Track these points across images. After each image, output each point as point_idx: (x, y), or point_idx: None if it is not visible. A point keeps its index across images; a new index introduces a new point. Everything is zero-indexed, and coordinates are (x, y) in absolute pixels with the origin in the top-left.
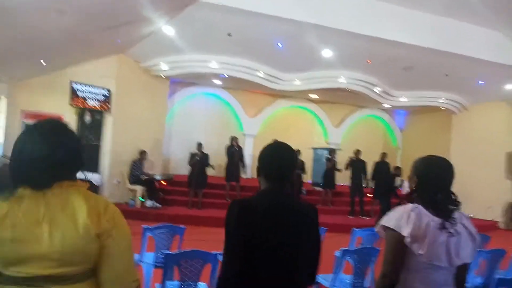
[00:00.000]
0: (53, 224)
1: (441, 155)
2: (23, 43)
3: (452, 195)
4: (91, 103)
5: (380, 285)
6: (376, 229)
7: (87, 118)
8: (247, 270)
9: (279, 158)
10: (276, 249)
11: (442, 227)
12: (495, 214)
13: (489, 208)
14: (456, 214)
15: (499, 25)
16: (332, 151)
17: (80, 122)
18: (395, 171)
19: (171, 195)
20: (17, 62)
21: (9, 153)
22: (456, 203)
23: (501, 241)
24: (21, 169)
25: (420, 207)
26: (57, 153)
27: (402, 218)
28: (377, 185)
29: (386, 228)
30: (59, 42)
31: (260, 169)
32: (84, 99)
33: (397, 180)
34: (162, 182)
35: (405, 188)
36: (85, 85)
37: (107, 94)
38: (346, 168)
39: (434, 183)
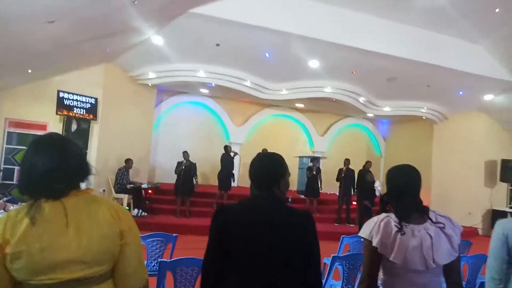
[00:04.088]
0: (78, 228)
1: (422, 163)
2: (10, 51)
3: (418, 201)
4: (78, 111)
5: None
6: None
7: (73, 126)
8: (222, 277)
9: (263, 165)
10: (250, 255)
11: (400, 230)
12: (475, 221)
13: (469, 215)
14: (431, 216)
15: (478, 38)
16: (314, 160)
17: (66, 130)
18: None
19: (157, 204)
20: (3, 70)
21: None
22: (422, 208)
23: (482, 247)
24: (34, 181)
25: (392, 215)
26: (71, 162)
27: (373, 228)
28: (360, 193)
29: (362, 237)
30: (47, 50)
31: (249, 176)
32: (71, 107)
33: (376, 186)
34: (148, 190)
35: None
36: (72, 93)
37: (94, 103)
38: (338, 180)
39: (399, 190)
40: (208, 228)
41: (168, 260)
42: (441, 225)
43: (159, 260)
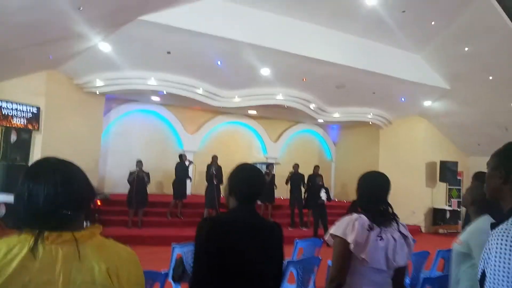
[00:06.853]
0: (68, 281)
1: (370, 166)
2: None
3: (388, 206)
4: (18, 121)
5: None
6: (326, 237)
7: (13, 137)
8: (216, 284)
9: (252, 180)
10: (245, 265)
11: (375, 232)
12: (418, 219)
13: (413, 214)
14: (394, 223)
15: (415, 48)
16: (269, 166)
17: (4, 142)
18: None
19: (107, 215)
20: None
21: None
22: (392, 214)
23: (425, 244)
24: (34, 211)
25: (363, 216)
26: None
27: (348, 227)
28: (309, 197)
29: (334, 236)
30: None
31: (231, 190)
32: (9, 117)
33: (321, 191)
34: (97, 202)
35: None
36: (11, 102)
37: (36, 112)
38: (287, 182)
39: (370, 195)
40: (198, 236)
41: None
42: (404, 231)
43: None
